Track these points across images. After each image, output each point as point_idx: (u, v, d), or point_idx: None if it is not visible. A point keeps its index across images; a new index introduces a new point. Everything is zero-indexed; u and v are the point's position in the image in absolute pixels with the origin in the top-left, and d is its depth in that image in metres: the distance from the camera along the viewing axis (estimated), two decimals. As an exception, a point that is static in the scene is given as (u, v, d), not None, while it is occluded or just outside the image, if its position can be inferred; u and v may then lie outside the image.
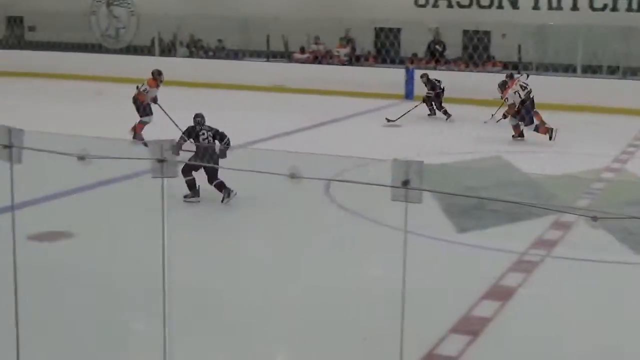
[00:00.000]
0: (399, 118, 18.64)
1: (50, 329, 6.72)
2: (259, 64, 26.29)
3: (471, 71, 23.66)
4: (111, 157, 4.33)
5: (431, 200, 10.15)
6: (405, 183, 3.61)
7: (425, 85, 20.02)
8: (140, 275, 7.89)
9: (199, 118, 11.18)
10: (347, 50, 26.01)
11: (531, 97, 16.56)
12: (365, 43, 26.46)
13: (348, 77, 24.02)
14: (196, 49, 28.08)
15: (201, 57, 27.49)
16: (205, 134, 10.99)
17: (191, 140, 11.00)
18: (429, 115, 19.89)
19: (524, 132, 16.74)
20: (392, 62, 24.62)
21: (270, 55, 26.84)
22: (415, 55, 25.04)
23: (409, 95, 22.48)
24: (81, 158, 4.24)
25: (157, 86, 15.39)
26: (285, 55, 26.85)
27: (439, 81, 20.01)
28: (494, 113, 17.72)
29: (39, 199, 10.48)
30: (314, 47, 26.53)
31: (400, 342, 3.60)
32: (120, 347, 6.69)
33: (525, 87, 16.66)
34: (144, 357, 6.25)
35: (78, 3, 29.21)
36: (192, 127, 11.14)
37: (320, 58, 26.11)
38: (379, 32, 25.91)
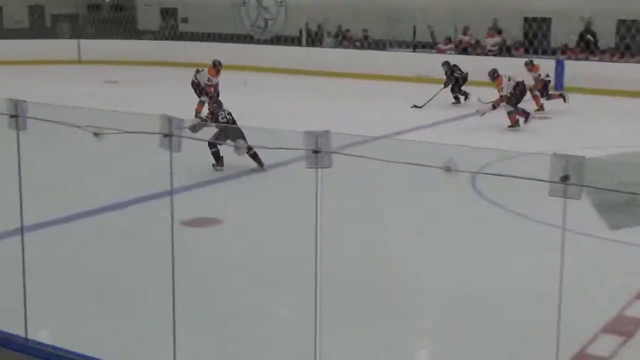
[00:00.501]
0: (425, 104, 18.79)
1: (203, 313, 6.91)
2: (405, 54, 26.20)
3: (626, 62, 22.80)
4: (268, 147, 4.39)
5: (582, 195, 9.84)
6: (565, 178, 3.50)
7: (445, 74, 20.06)
8: (288, 260, 8.04)
9: (216, 104, 12.95)
10: (495, 40, 25.56)
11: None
12: (515, 33, 25.88)
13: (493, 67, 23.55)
14: (343, 39, 28.25)
15: (347, 47, 27.60)
16: (225, 115, 12.40)
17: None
18: (453, 103, 19.96)
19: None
20: (544, 52, 24.02)
21: (417, 46, 26.71)
22: (566, 45, 24.34)
23: (557, 87, 21.84)
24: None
25: (217, 74, 17.23)
26: (432, 46, 26.61)
27: (458, 68, 20.11)
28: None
29: (190, 186, 10.81)
30: (461, 37, 26.20)
31: (556, 340, 3.51)
32: (269, 332, 6.82)
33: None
34: (294, 343, 6.33)
35: (230, -4, 29.89)
36: (212, 111, 12.70)
37: (466, 48, 25.77)
38: (529, 22, 25.30)
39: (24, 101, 5.03)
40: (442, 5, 25.46)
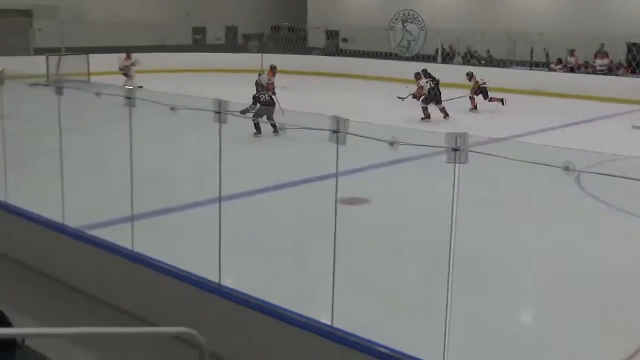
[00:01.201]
0: (407, 97, 18.39)
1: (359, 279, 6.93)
2: (522, 71, 25.44)
3: None
4: (413, 144, 4.32)
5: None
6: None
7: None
8: (425, 235, 7.96)
9: (258, 87, 15.12)
10: (604, 61, 24.42)
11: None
12: (619, 56, 24.65)
13: (601, 84, 22.57)
14: (471, 57, 27.81)
15: (474, 65, 27.07)
16: (264, 96, 14.48)
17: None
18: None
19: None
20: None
21: (533, 65, 25.91)
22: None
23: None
24: (391, 144, 4.32)
25: (274, 75, 18.55)
26: (546, 66, 25.80)
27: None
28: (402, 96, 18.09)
29: (347, 172, 10.82)
30: (569, 59, 25.22)
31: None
32: (406, 292, 6.76)
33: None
34: (421, 316, 6.26)
35: (380, 20, 29.84)
36: (256, 95, 14.51)
37: (575, 68, 24.77)
38: (631, 46, 23.98)
39: (226, 101, 5.18)
40: (556, 30, 24.60)
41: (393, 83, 23.90)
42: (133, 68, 21.94)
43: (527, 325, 6.53)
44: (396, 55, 29.58)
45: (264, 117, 13.15)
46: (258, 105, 14.15)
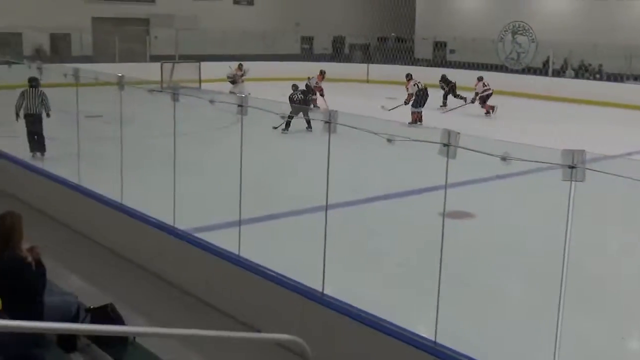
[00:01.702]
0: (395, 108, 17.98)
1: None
2: (638, 86, 24.32)
3: None
4: (527, 160, 4.20)
5: None
6: None
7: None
8: (533, 255, 7.71)
9: (293, 88, 15.92)
10: None
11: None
12: None
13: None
14: (583, 71, 26.86)
15: (587, 79, 26.16)
16: (297, 96, 15.42)
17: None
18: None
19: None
20: None
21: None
22: None
23: None
24: (503, 159, 4.21)
25: (322, 79, 19.75)
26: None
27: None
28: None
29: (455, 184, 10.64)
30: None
31: None
32: (513, 311, 6.58)
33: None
34: (528, 334, 6.07)
35: (489, 32, 29.33)
36: (290, 95, 15.45)
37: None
38: None
39: (335, 110, 5.20)
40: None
41: (505, 96, 23.42)
42: (242, 78, 22.49)
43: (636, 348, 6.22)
44: (505, 67, 28.95)
45: (299, 115, 14.16)
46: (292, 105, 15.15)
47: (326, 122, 5.15)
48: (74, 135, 9.09)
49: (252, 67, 22.94)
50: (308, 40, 34.73)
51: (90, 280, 7.14)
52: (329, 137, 5.23)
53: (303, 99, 15.67)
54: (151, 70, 21.55)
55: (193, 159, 10.77)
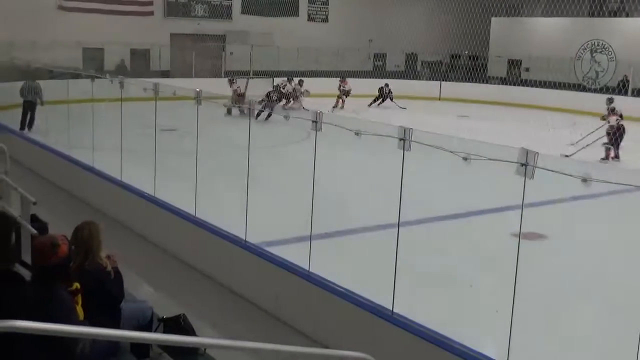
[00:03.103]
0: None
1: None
2: None
3: None
4: (608, 181, 4.06)
5: None
6: None
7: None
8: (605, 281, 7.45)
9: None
10: None
11: None
12: None
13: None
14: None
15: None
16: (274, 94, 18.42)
17: None
18: None
19: None
20: None
21: None
22: None
23: None
24: (584, 180, 4.09)
25: (347, 84, 24.46)
26: None
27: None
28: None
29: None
30: None
31: None
32: (578, 347, 6.36)
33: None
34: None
35: (565, 50, 28.76)
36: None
37: None
38: None
39: (410, 128, 5.16)
40: None
41: (576, 115, 22.84)
42: (302, 93, 22.96)
43: None
44: (582, 86, 28.28)
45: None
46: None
47: (313, 121, 5.20)
48: (151, 148, 9.30)
49: (323, 83, 23.26)
50: (381, 57, 34.75)
51: (164, 290, 7.27)
52: (403, 156, 5.19)
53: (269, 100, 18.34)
54: (226, 86, 21.93)
55: (265, 173, 10.88)
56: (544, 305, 6.87)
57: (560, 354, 5.93)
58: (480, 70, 29.91)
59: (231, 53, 29.34)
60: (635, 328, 3.97)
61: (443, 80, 30.24)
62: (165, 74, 26.59)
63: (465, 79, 29.50)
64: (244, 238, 7.27)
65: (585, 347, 6.13)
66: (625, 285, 7.19)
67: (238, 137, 7.62)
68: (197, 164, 8.08)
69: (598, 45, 28.41)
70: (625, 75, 26.17)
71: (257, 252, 7.10)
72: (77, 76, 14.15)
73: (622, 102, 21.60)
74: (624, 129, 15.70)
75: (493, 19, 34.18)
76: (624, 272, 7.62)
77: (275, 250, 7.14)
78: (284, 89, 22.79)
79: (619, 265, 8.03)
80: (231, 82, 21.99)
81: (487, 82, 30.11)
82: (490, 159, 4.60)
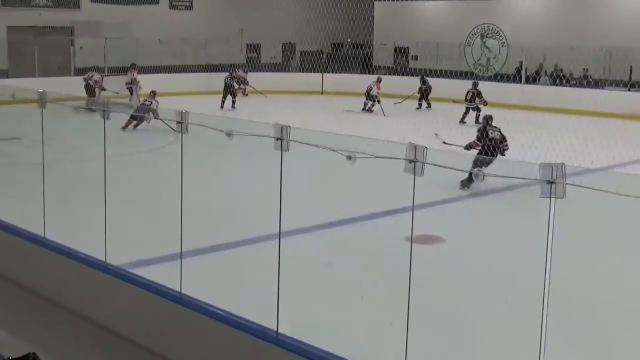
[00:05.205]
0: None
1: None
2: (621, 93, 24.89)
3: None
4: (504, 176, 4.25)
5: None
6: None
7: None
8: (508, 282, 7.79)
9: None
10: None
11: None
12: None
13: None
14: (559, 77, 27.38)
15: (564, 85, 26.65)
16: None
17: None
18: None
19: None
20: None
21: (632, 85, 25.32)
22: None
23: None
24: (475, 176, 4.25)
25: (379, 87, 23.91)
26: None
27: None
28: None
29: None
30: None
31: None
32: (497, 346, 6.61)
33: None
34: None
35: (455, 36, 29.80)
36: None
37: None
38: None
39: (288, 126, 5.19)
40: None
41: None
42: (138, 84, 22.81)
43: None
44: (473, 74, 29.39)
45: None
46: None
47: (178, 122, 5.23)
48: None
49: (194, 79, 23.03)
50: (254, 48, 34.79)
51: (9, 327, 6.96)
52: (281, 157, 5.21)
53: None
54: (76, 85, 21.30)
55: (126, 185, 10.63)
56: (443, 314, 7.09)
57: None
58: (365, 59, 30.54)
59: (81, 47, 28.51)
60: (536, 326, 4.15)
61: (325, 72, 30.63)
62: (3, 74, 25.54)
63: (349, 69, 30.01)
64: (103, 259, 7.07)
65: (490, 350, 6.38)
66: (522, 284, 7.53)
67: (93, 144, 7.41)
68: (44, 177, 7.79)
69: (488, 29, 29.62)
70: (520, 62, 27.39)
71: (120, 274, 6.93)
72: None
73: (514, 90, 22.53)
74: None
75: (376, 3, 35.01)
76: (521, 269, 7.97)
77: (141, 272, 6.99)
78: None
79: (515, 262, 8.40)
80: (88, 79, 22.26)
81: (372, 73, 30.76)
82: (377, 157, 4.70)
